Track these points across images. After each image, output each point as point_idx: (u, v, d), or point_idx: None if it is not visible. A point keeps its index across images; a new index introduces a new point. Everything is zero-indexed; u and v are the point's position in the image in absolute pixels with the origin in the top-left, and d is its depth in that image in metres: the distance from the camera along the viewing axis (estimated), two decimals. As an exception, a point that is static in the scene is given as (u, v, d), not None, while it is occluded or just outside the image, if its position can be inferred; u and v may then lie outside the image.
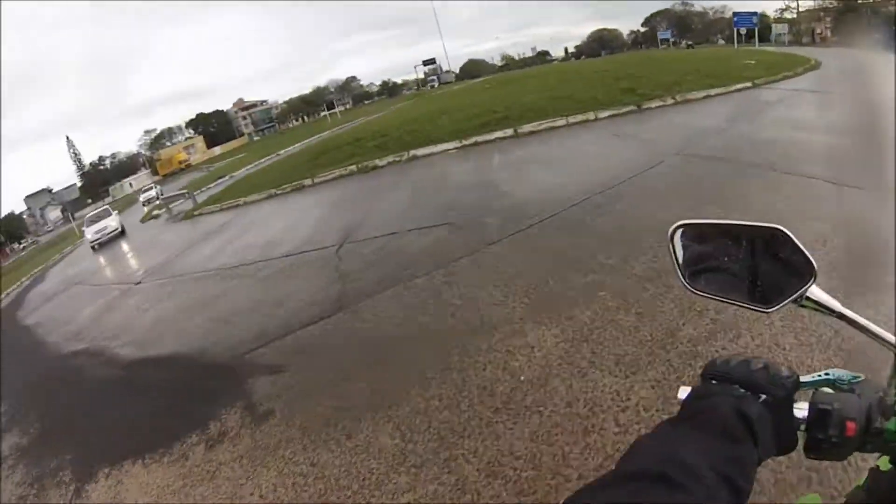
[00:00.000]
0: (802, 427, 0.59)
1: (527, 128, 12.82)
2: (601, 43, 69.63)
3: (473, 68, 69.85)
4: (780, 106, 10.99)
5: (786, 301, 0.66)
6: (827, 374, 0.65)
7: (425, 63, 64.53)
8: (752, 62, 17.34)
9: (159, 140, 77.42)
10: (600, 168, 8.19)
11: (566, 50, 72.56)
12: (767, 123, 9.46)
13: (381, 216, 8.76)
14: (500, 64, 70.82)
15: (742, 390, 0.58)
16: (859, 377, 0.64)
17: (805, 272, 0.64)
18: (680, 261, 0.75)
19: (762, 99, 12.01)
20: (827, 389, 0.63)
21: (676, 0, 59.02)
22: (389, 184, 11.39)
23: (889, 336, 0.63)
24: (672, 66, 18.07)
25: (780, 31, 38.42)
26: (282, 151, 28.78)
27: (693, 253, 0.75)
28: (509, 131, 12.98)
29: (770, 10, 44.10)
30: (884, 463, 0.65)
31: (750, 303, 0.70)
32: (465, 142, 13.18)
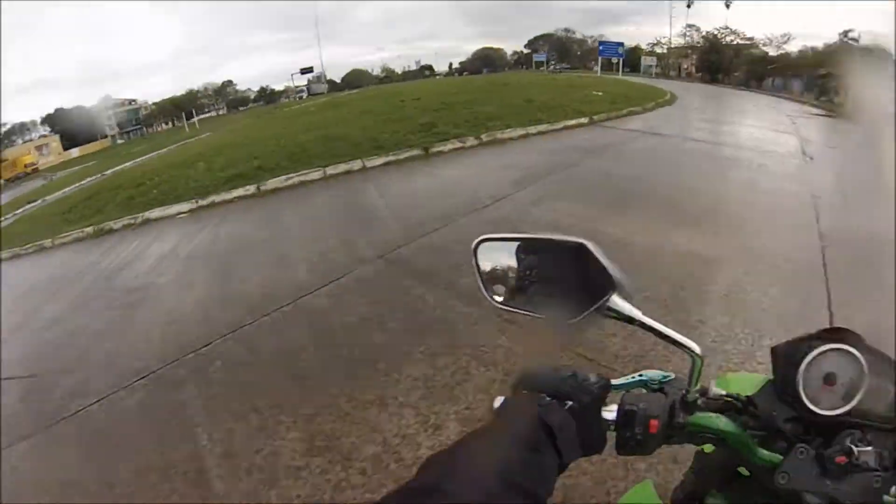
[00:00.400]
0: (612, 427, 0.63)
1: (272, 183, 8.73)
2: (485, 61, 69.49)
3: (356, 79, 65.91)
4: (600, 156, 7.91)
5: (587, 312, 0.67)
6: (641, 375, 0.69)
7: (303, 71, 58.57)
8: (600, 93, 14.92)
9: (9, 136, 63.24)
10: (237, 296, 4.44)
11: (450, 65, 71.30)
12: (562, 192, 6.13)
13: None
14: (381, 76, 67.85)
15: (548, 399, 0.60)
16: (669, 376, 0.69)
17: (607, 284, 0.66)
18: (483, 275, 0.75)
19: (584, 143, 9.02)
20: (642, 390, 0.68)
21: (559, 27, 59.83)
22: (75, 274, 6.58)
23: (686, 341, 0.67)
24: (519, 92, 15.43)
25: (649, 63, 38.63)
26: (117, 167, 21.31)
27: (497, 267, 0.75)
28: (251, 188, 8.78)
29: (645, 43, 44.64)
30: (707, 446, 0.70)
31: (553, 314, 0.70)
32: (201, 202, 8.72)
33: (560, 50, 58.63)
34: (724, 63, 38.63)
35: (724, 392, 0.67)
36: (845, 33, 36.48)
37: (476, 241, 0.73)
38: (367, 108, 15.63)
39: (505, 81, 20.66)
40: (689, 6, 41.85)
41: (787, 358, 0.65)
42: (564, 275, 0.70)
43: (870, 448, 0.60)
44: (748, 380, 0.77)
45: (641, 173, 6.99)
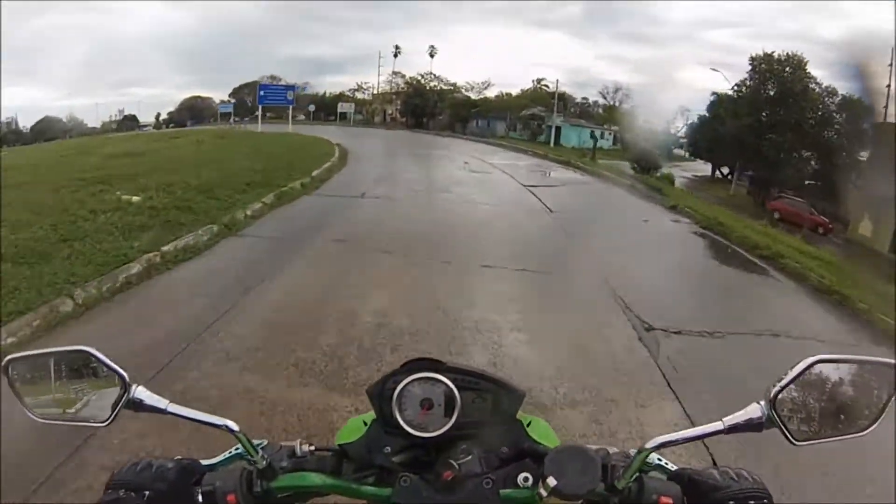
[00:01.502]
0: None
1: None
2: (192, 111, 58.78)
3: (47, 128, 47.71)
4: None
5: (116, 410, 0.67)
6: (237, 450, 0.70)
7: None
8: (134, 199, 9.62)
9: None
10: None
11: (157, 116, 58.57)
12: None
13: None
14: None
15: (122, 493, 0.61)
16: (262, 443, 0.69)
17: (121, 383, 0.67)
18: (20, 393, 0.71)
19: None
20: (243, 464, 0.67)
21: (265, 75, 54.54)
22: None
23: (220, 421, 0.65)
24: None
25: (345, 109, 36.05)
26: None
27: (33, 383, 0.72)
28: None
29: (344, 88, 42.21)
30: None
31: (90, 420, 0.70)
32: None
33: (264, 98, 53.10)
34: (427, 107, 38.94)
35: (312, 447, 0.70)
36: (538, 80, 40.73)
37: (5, 360, 0.71)
38: None
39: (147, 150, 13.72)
40: (395, 56, 41.55)
41: (380, 395, 0.69)
42: (76, 380, 0.70)
43: (471, 456, 0.66)
44: (358, 422, 0.75)
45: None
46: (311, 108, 41.50)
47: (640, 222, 9.75)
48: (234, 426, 0.65)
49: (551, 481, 0.60)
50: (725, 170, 28.92)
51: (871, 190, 17.63)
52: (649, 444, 0.63)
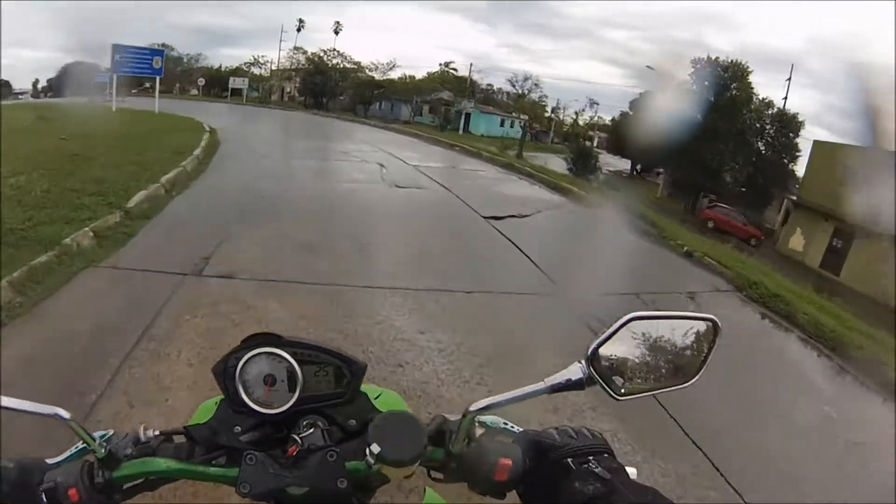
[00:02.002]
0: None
1: None
2: (73, 78, 50.47)
3: None
4: None
5: None
6: (78, 447, 0.66)
7: None
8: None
9: None
10: None
11: (35, 83, 49.22)
12: None
13: None
14: None
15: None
16: (107, 434, 0.66)
17: None
18: None
19: None
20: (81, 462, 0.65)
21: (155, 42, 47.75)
22: None
23: (48, 409, 0.61)
24: None
25: (239, 85, 31.67)
26: None
27: None
28: None
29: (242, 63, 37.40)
30: None
31: None
32: None
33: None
34: (329, 86, 35.53)
35: (156, 432, 0.67)
36: (446, 63, 39.02)
37: None
38: None
39: None
40: (298, 30, 37.83)
41: (224, 373, 0.67)
42: None
43: (314, 430, 0.65)
44: (210, 405, 0.72)
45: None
46: (202, 81, 36.89)
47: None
48: (65, 414, 0.61)
49: (375, 448, 0.60)
50: (638, 167, 29.61)
51: (805, 204, 17.44)
52: (473, 408, 0.64)
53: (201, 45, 55.77)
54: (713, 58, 22.41)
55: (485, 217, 7.74)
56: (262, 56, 38.07)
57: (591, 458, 0.61)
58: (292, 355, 0.67)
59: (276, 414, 0.66)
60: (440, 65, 38.62)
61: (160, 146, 9.21)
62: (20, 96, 33.30)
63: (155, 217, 5.74)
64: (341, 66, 36.98)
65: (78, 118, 11.68)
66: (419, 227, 7.01)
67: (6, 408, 0.60)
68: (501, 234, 7.02)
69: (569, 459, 0.61)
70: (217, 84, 39.19)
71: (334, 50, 36.99)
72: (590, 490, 0.57)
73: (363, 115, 32.50)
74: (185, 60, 47.75)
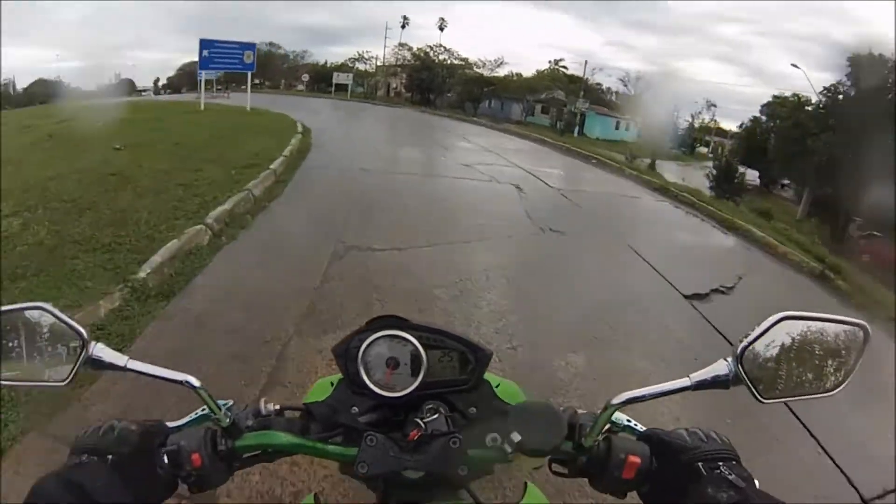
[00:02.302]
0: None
1: None
2: (190, 77, 55.45)
3: (42, 91, 43.92)
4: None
5: (73, 369, 0.63)
6: (203, 410, 0.67)
7: None
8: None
9: None
10: None
11: (156, 81, 54.93)
12: None
13: None
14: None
15: (84, 457, 0.57)
16: (228, 403, 0.66)
17: (80, 338, 0.63)
18: None
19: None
20: (208, 426, 0.65)
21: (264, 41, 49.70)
22: None
23: (181, 376, 0.63)
24: None
25: (343, 80, 30.42)
26: None
27: None
28: None
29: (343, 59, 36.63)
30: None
31: (47, 380, 0.65)
32: None
33: (261, 66, 48.15)
34: (436, 82, 33.46)
35: (277, 407, 0.68)
36: (556, 61, 36.48)
37: None
38: None
39: None
40: (403, 27, 36.52)
41: (346, 354, 0.68)
42: (30, 341, 0.64)
43: (437, 415, 0.65)
44: (326, 383, 0.75)
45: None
46: (306, 77, 36.90)
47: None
48: (196, 382, 0.63)
49: (515, 436, 0.60)
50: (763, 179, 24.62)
51: None
52: (615, 401, 0.62)
53: (307, 43, 57.96)
54: (876, 54, 17.36)
55: (686, 296, 4.67)
56: (367, 52, 37.27)
57: (721, 463, 0.58)
58: (418, 339, 0.67)
59: (398, 397, 0.67)
60: (550, 62, 35.43)
61: (232, 154, 7.12)
62: (142, 93, 35.66)
63: (171, 301, 3.35)
64: (448, 62, 35.02)
65: (152, 119, 10.09)
66: (603, 329, 3.78)
67: (138, 371, 0.63)
68: (725, 338, 3.93)
69: (699, 463, 0.58)
70: (322, 80, 38.75)
71: (440, 46, 35.16)
72: (723, 497, 0.55)
73: (472, 113, 30.08)
74: (290, 57, 48.74)
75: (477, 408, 0.68)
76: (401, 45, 37.18)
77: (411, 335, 0.66)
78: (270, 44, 51.13)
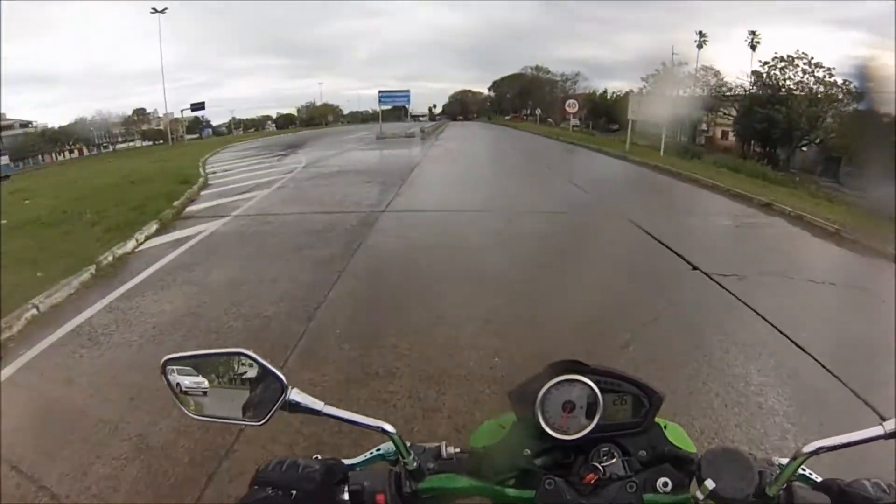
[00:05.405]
0: None
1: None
2: (462, 105, 57.45)
3: (320, 115, 53.29)
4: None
5: (272, 411, 0.67)
6: (378, 450, 0.71)
7: (193, 108, 42.18)
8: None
9: None
10: None
11: (431, 108, 59.38)
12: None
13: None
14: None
15: (269, 491, 0.62)
16: (406, 444, 0.69)
17: (280, 384, 0.67)
18: (178, 392, 0.74)
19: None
20: (384, 464, 0.70)
21: (527, 66, 46.61)
22: None
23: (375, 423, 0.66)
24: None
25: (637, 114, 21.44)
26: None
27: (189, 383, 0.75)
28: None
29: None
30: None
31: (244, 419, 0.70)
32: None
33: (523, 93, 45.70)
34: (793, 124, 22.15)
35: (457, 450, 0.70)
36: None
37: (162, 361, 0.72)
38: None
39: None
40: (699, 46, 28.18)
41: (523, 398, 0.68)
42: (235, 381, 0.70)
43: (615, 459, 0.66)
44: (494, 425, 0.76)
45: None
46: (573, 106, 30.21)
47: None
48: (391, 428, 0.66)
49: (709, 483, 0.58)
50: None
51: None
52: (806, 449, 0.59)
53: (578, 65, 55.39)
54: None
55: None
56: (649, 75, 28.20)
57: None
58: (596, 383, 0.67)
59: (572, 440, 0.67)
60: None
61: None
62: (419, 119, 40.41)
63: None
64: (802, 91, 23.57)
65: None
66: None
67: (334, 416, 0.66)
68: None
69: None
70: (601, 114, 33.63)
71: (789, 56, 23.60)
72: None
73: (846, 182, 18.23)
74: (559, 83, 42.56)
75: (647, 451, 0.68)
76: (704, 68, 27.45)
77: (590, 379, 0.67)
78: (536, 68, 47.38)
